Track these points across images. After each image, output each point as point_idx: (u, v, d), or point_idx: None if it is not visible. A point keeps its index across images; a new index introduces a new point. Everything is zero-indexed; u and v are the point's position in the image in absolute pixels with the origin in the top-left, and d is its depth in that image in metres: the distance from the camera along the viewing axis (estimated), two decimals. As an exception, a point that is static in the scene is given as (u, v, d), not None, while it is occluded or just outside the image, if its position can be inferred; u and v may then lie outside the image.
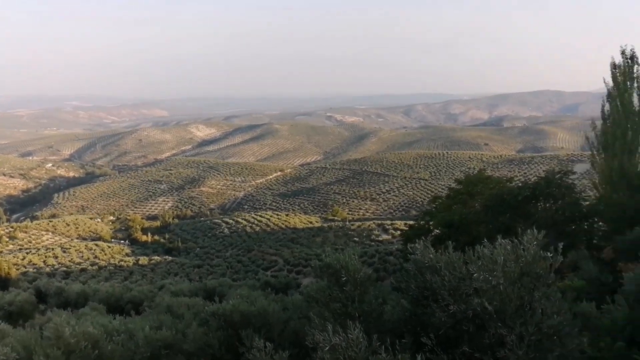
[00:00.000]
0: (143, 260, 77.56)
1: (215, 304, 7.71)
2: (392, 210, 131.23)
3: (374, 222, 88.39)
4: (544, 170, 40.09)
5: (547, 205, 22.58)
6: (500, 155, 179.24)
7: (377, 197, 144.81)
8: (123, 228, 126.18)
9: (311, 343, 3.22)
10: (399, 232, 68.39)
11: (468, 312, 4.00)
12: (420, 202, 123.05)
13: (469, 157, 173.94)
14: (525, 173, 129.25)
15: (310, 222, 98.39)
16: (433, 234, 27.66)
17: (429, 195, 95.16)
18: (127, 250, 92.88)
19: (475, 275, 4.07)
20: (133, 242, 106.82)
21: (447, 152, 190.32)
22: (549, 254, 4.26)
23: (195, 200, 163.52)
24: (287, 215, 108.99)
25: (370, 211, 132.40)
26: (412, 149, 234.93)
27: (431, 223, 29.85)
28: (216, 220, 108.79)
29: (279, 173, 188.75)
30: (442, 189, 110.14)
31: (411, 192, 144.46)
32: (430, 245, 4.62)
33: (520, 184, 27.30)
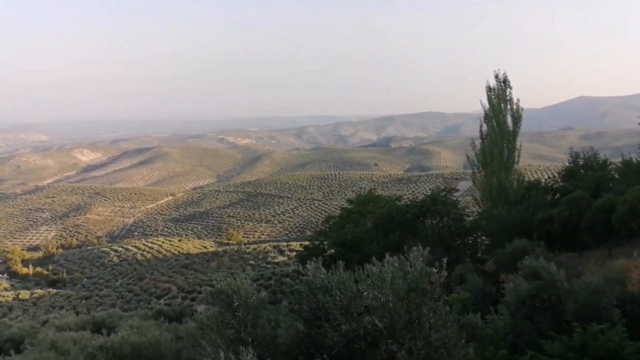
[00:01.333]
0: (24, 294, 72.61)
1: (103, 337, 7.35)
2: (287, 232, 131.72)
3: (269, 244, 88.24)
4: (430, 189, 42.02)
5: (434, 221, 23.59)
6: (390, 175, 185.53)
7: (272, 218, 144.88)
8: (1, 261, 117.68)
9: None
10: (294, 253, 68.64)
11: (359, 330, 4.07)
12: (315, 223, 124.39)
13: (360, 177, 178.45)
14: (413, 191, 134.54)
15: (205, 247, 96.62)
16: (328, 253, 28.02)
17: (323, 216, 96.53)
18: (6, 284, 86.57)
19: (365, 293, 4.16)
20: (12, 275, 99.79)
21: (339, 173, 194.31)
22: (434, 269, 4.44)
23: (81, 229, 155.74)
24: (180, 240, 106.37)
25: (265, 233, 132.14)
26: (305, 170, 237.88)
27: (325, 243, 30.23)
28: (104, 249, 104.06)
29: (170, 197, 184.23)
30: (336, 208, 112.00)
31: (306, 213, 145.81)
32: (321, 266, 4.68)
33: (408, 202, 28.37)
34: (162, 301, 56.94)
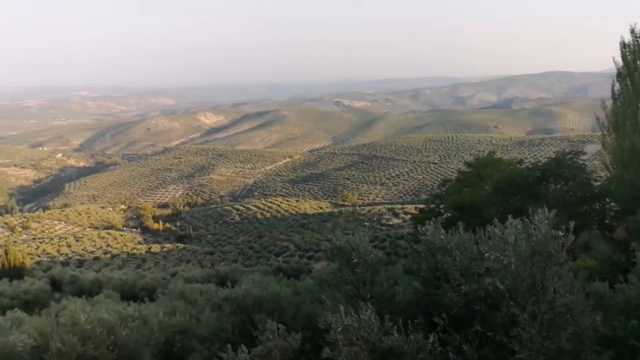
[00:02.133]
0: (155, 248, 78.05)
1: (227, 289, 7.75)
2: (402, 195, 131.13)
3: (384, 207, 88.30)
4: (554, 152, 39.85)
5: (558, 186, 22.48)
6: (510, 138, 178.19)
7: (387, 181, 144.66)
8: (134, 216, 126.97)
9: (324, 325, 3.25)
10: (409, 216, 68.28)
11: (480, 291, 4.01)
12: (430, 186, 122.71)
13: (479, 140, 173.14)
14: (535, 155, 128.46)
15: (321, 208, 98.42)
16: (443, 217, 27.61)
17: (439, 179, 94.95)
18: (139, 238, 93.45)
19: (486, 255, 4.08)
20: (145, 230, 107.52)
21: (456, 136, 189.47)
22: (560, 233, 4.26)
23: (205, 188, 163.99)
24: (297, 201, 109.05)
25: (380, 196, 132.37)
26: (421, 132, 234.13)
27: (441, 206, 29.77)
28: (227, 207, 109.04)
29: (287, 159, 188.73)
30: (452, 172, 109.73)
31: (421, 176, 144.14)
32: (440, 227, 4.63)
33: (530, 166, 27.17)
34: (280, 258, 58.89)
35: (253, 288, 7.52)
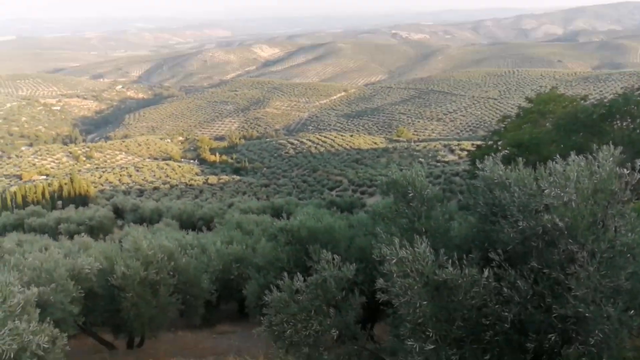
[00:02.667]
0: (212, 179, 79.81)
1: (283, 220, 7.90)
2: (458, 131, 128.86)
3: (439, 143, 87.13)
4: (621, 88, 38.01)
5: (624, 123, 21.58)
6: (575, 73, 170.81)
7: (444, 117, 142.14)
8: (192, 148, 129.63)
9: (378, 256, 3.28)
10: (465, 153, 67.27)
11: (537, 228, 3.95)
12: (489, 122, 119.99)
13: (541, 75, 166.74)
14: (601, 91, 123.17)
15: (375, 143, 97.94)
16: (502, 154, 27.06)
17: (498, 115, 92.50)
18: (197, 169, 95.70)
19: (546, 191, 3.99)
20: (202, 161, 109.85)
21: (517, 70, 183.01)
22: (625, 171, 4.12)
23: (260, 121, 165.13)
24: (351, 136, 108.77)
25: (436, 132, 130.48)
26: (480, 67, 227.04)
27: (500, 143, 29.17)
28: (281, 141, 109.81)
29: (342, 93, 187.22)
30: (512, 108, 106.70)
31: (479, 112, 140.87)
32: (499, 162, 4.55)
33: (595, 102, 26.09)
34: (333, 192, 59.43)
35: (308, 220, 7.64)
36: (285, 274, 3.87)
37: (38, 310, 3.14)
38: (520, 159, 4.55)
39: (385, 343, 3.81)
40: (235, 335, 10.23)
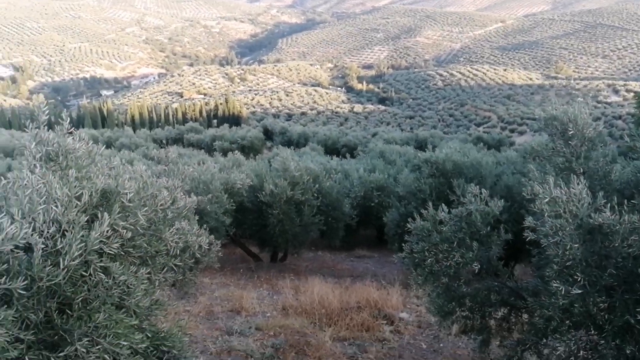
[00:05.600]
0: (358, 108, 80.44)
1: (427, 152, 7.83)
2: (626, 70, 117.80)
3: (603, 82, 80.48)
4: None
5: None
6: None
7: (611, 53, 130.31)
8: (340, 75, 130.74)
9: (529, 194, 3.17)
10: (632, 95, 61.67)
11: None
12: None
13: None
14: None
15: (530, 79, 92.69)
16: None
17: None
18: (343, 97, 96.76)
19: None
20: (349, 89, 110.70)
21: None
22: None
23: (410, 51, 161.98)
24: (504, 70, 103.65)
25: (600, 69, 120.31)
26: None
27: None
28: (430, 72, 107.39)
29: (499, 24, 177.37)
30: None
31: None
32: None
33: None
34: (481, 128, 57.66)
35: (454, 153, 7.52)
36: (431, 203, 3.87)
37: (197, 217, 3.43)
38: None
39: (527, 283, 3.73)
40: (372, 260, 10.50)
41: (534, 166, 4.00)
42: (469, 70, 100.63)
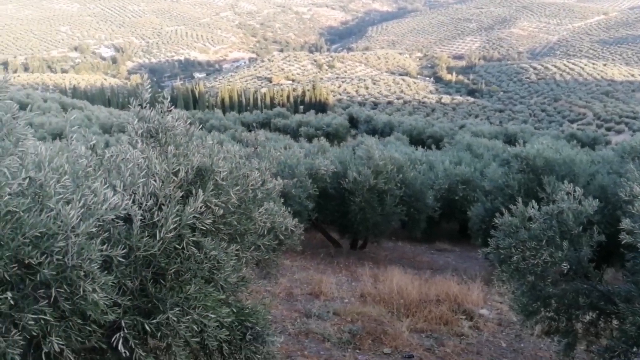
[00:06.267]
0: (446, 99, 79.07)
1: (517, 147, 7.60)
2: None
3: None
4: None
5: None
6: None
7: None
8: (429, 65, 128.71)
9: (627, 195, 3.02)
10: None
11: None
12: None
13: None
14: None
15: (632, 75, 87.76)
16: None
17: None
18: (431, 87, 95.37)
19: None
20: (437, 80, 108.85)
21: None
22: None
23: (503, 42, 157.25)
24: (604, 65, 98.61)
25: None
26: None
27: None
28: (523, 65, 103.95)
29: (601, 16, 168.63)
30: None
31: None
32: None
33: None
34: (575, 125, 55.43)
35: (545, 149, 7.27)
36: (520, 199, 3.77)
37: (282, 200, 3.51)
38: None
39: (619, 288, 3.57)
40: (453, 254, 10.36)
41: (634, 166, 3.82)
42: (565, 64, 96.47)
